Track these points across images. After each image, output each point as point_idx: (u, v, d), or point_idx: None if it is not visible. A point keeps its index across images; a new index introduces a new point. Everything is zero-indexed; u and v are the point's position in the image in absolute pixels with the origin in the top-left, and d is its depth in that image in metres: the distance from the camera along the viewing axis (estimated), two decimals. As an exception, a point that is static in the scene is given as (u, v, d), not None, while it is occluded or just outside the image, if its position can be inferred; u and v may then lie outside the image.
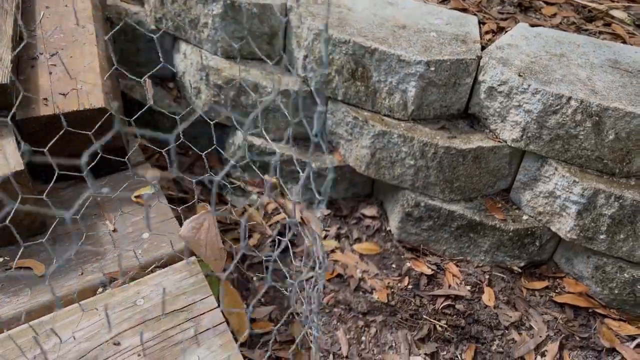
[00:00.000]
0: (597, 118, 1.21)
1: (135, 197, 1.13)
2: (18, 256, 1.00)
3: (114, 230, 1.08)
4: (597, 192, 1.26)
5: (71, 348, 0.90)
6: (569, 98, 1.22)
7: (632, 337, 1.36)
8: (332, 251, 1.54)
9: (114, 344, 0.91)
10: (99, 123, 1.05)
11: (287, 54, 1.58)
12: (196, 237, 0.52)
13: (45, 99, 1.10)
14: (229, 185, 1.68)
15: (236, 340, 1.37)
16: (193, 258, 1.05)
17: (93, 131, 1.02)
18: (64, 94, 1.11)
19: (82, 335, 0.92)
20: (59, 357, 0.89)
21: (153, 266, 1.02)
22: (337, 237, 1.58)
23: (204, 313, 0.97)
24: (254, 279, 1.46)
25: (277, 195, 1.68)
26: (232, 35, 1.52)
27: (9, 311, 0.94)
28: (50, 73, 1.17)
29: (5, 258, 1.01)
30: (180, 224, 1.20)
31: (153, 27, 1.67)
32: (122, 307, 0.96)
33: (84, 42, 1.27)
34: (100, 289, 1.00)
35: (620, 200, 1.24)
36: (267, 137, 1.57)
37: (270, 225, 1.59)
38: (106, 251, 1.04)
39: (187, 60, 1.62)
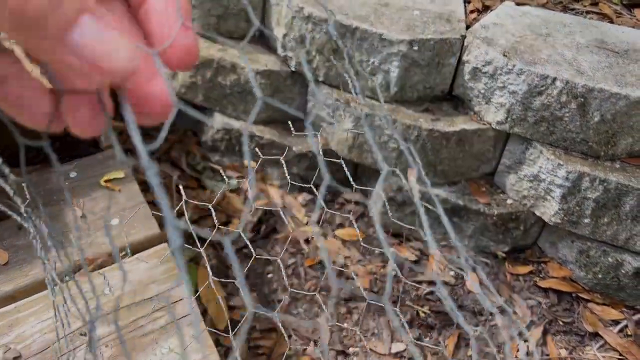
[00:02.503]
0: (582, 99, 1.19)
1: (105, 181, 1.09)
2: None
3: (82, 216, 1.03)
4: (582, 175, 1.23)
5: (36, 339, 0.86)
6: (554, 79, 1.19)
7: (616, 322, 1.35)
8: (315, 237, 1.51)
9: (81, 334, 0.87)
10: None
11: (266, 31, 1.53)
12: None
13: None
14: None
15: (215, 328, 1.34)
16: (164, 244, 1.01)
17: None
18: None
19: (48, 325, 0.88)
20: (23, 348, 0.85)
21: (122, 253, 0.98)
22: (319, 222, 1.55)
23: (176, 302, 0.93)
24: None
25: (258, 181, 1.64)
26: (208, 13, 1.47)
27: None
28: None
29: None
30: (155, 209, 1.16)
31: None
32: (89, 296, 0.92)
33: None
34: (67, 277, 0.95)
35: (605, 184, 1.22)
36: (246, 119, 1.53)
37: (250, 211, 1.55)
38: (74, 238, 1.00)
39: (163, 40, 1.57)
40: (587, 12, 1.48)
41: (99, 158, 1.11)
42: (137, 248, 1.00)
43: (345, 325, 1.35)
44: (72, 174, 1.09)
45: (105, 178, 1.08)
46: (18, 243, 0.97)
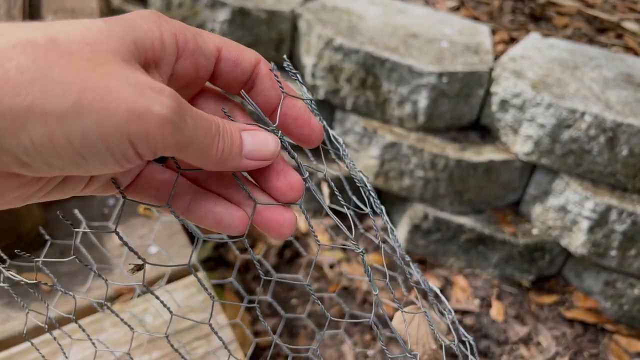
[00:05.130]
0: (611, 134, 1.20)
1: (144, 209, 1.11)
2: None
3: (122, 244, 1.05)
4: (610, 208, 1.24)
5: (78, 366, 0.88)
6: (583, 113, 1.20)
7: (642, 354, 1.35)
8: (338, 262, 1.52)
9: (123, 362, 0.88)
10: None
11: (295, 60, 1.56)
12: (408, 330, 0.46)
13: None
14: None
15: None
16: (202, 273, 1.03)
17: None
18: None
19: (91, 353, 0.89)
20: (65, 376, 0.86)
21: (160, 283, 1.00)
22: (343, 248, 1.56)
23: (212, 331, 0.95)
24: (257, 290, 1.44)
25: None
26: (239, 41, 1.50)
27: (17, 327, 0.92)
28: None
29: (12, 272, 0.98)
30: (188, 236, 1.18)
31: (159, 31, 1.64)
32: (130, 324, 0.94)
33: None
34: (106, 304, 0.97)
35: (633, 217, 1.23)
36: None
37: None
38: (114, 265, 1.02)
39: (193, 66, 1.60)
40: (612, 45, 1.50)
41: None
42: (174, 276, 1.02)
43: (369, 352, 1.35)
44: (111, 202, 1.12)
45: (144, 206, 1.10)
46: (61, 269, 0.99)
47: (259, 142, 0.31)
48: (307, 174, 0.34)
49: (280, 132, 0.34)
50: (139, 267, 0.39)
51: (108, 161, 0.24)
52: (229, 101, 0.36)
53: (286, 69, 0.37)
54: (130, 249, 0.34)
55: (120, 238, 0.34)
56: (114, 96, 0.22)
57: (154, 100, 0.24)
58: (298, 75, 0.38)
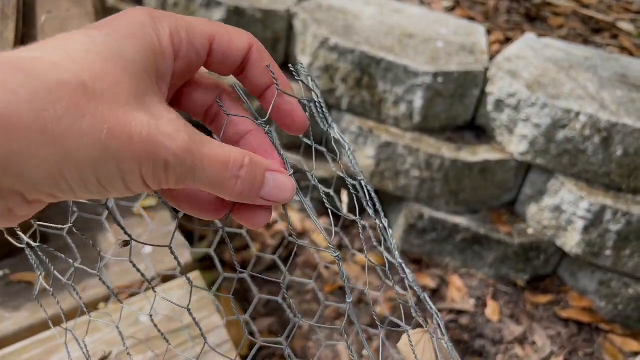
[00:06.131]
0: (606, 134, 1.20)
1: (138, 209, 1.11)
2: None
3: (116, 242, 1.05)
4: (604, 208, 1.25)
5: (72, 366, 0.87)
6: (578, 113, 1.21)
7: (636, 353, 1.35)
8: (333, 262, 1.52)
9: (116, 362, 0.88)
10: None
11: (291, 60, 1.56)
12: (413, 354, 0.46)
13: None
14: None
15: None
16: (197, 272, 1.03)
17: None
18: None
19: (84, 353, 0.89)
20: (59, 376, 0.86)
21: (154, 283, 0.99)
22: (339, 247, 1.56)
23: (208, 331, 0.95)
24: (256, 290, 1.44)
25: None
26: (235, 41, 1.50)
27: (10, 327, 0.91)
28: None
29: (6, 271, 0.98)
30: (185, 236, 1.18)
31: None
32: (124, 324, 0.94)
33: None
34: (102, 304, 0.97)
35: (627, 217, 1.23)
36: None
37: (272, 235, 1.57)
38: (109, 264, 1.01)
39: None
40: (607, 45, 1.50)
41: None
42: (169, 276, 1.02)
43: (364, 352, 1.35)
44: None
45: (140, 204, 1.10)
46: (57, 267, 0.99)
47: (278, 186, 0.31)
48: (292, 171, 0.34)
49: (269, 125, 0.35)
50: (126, 243, 0.41)
51: (124, 192, 0.28)
52: (217, 88, 0.36)
53: (301, 71, 0.39)
54: (119, 224, 0.36)
55: (110, 212, 0.36)
56: (133, 141, 0.25)
57: (164, 147, 0.26)
58: (309, 78, 0.39)
